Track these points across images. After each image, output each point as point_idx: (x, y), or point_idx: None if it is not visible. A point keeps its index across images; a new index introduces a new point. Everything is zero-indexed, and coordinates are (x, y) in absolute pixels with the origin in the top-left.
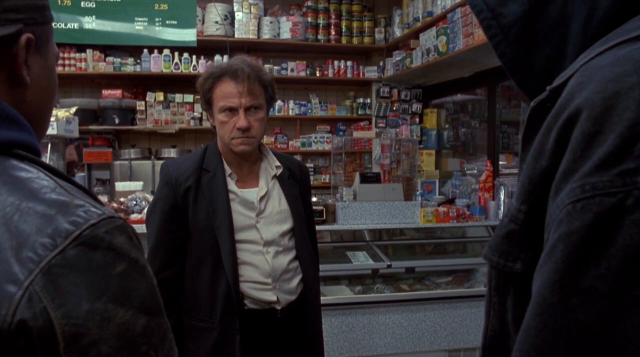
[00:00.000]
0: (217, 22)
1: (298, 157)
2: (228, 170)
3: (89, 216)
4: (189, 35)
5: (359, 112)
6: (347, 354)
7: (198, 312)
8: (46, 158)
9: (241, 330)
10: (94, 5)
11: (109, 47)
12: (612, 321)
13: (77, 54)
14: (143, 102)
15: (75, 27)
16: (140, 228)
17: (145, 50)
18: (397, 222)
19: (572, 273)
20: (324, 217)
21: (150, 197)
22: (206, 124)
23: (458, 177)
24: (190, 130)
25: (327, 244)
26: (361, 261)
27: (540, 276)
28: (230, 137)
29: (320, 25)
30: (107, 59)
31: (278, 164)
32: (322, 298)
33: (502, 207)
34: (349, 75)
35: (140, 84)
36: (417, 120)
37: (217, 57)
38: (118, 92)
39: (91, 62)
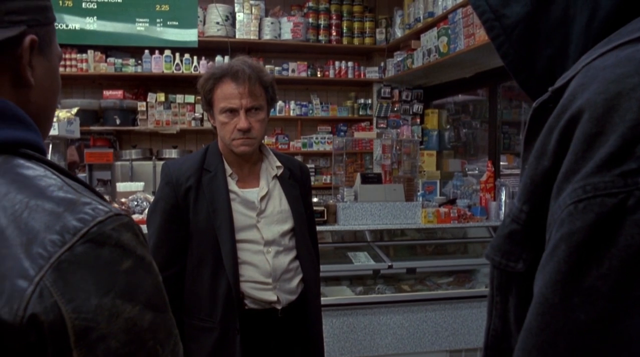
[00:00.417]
0: (218, 23)
1: (299, 158)
2: (229, 170)
3: (96, 213)
4: (190, 36)
5: (360, 113)
6: (348, 354)
7: (199, 312)
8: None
9: (241, 330)
10: (95, 6)
11: (110, 48)
12: (613, 321)
13: (78, 55)
14: (144, 103)
15: (77, 27)
16: (143, 228)
17: (147, 51)
18: (398, 223)
19: (573, 273)
20: (325, 218)
21: (152, 198)
22: (207, 125)
23: (459, 177)
24: (191, 131)
25: (328, 244)
26: (362, 261)
27: (542, 275)
28: (231, 138)
29: (321, 25)
30: (108, 59)
31: (279, 164)
32: (323, 299)
33: (503, 208)
34: (350, 75)
35: (142, 85)
36: (418, 120)
37: (218, 58)
38: (119, 93)
39: (92, 63)
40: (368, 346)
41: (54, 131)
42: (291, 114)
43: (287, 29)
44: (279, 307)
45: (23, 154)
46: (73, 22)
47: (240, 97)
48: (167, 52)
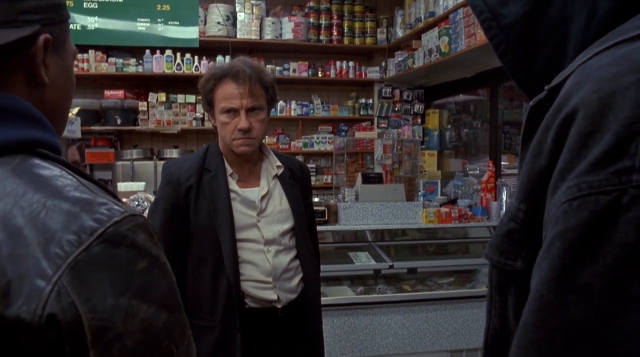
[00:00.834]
0: (219, 23)
1: (300, 158)
2: (229, 170)
3: (112, 213)
4: (191, 36)
5: (361, 113)
6: (349, 354)
7: (199, 311)
8: None
9: (242, 329)
10: (96, 6)
11: (111, 48)
12: (608, 318)
13: (80, 55)
14: (145, 103)
15: (78, 27)
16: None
17: (148, 51)
18: (399, 223)
19: (568, 270)
20: (326, 218)
21: (153, 198)
22: (208, 125)
23: (460, 177)
24: (192, 130)
25: (329, 244)
26: (363, 261)
27: (537, 273)
28: (232, 138)
29: (322, 25)
30: (109, 59)
31: (279, 164)
32: (324, 299)
33: (504, 208)
34: (351, 75)
35: (142, 85)
36: (419, 120)
37: (219, 58)
38: (120, 93)
39: (93, 63)
40: (369, 345)
41: None
42: (292, 114)
43: (288, 29)
44: (279, 306)
45: (39, 154)
46: (74, 22)
47: (241, 97)
48: (168, 52)
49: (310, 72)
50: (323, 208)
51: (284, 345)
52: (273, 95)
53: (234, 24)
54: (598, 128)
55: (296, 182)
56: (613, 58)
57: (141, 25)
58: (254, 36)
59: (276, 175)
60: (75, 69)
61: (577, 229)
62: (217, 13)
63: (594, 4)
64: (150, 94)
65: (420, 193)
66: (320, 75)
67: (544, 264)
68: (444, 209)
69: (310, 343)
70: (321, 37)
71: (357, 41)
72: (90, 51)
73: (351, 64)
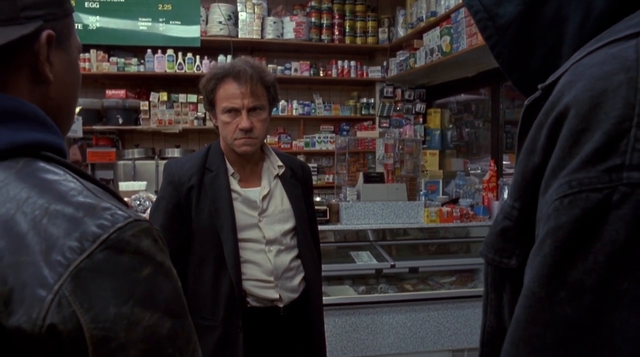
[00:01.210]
0: (220, 22)
1: (301, 157)
2: (231, 169)
3: (116, 219)
4: (192, 35)
5: (363, 112)
6: (350, 354)
7: (201, 311)
8: None
9: (244, 328)
10: (98, 6)
11: (112, 47)
12: (598, 315)
13: (81, 54)
14: (147, 102)
15: (79, 27)
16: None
17: (149, 51)
18: (400, 222)
19: (559, 267)
20: (328, 217)
21: (154, 197)
22: (209, 124)
23: (462, 177)
24: (193, 130)
25: (331, 244)
26: (365, 260)
27: (529, 270)
28: (233, 138)
29: (324, 25)
30: (111, 59)
31: (280, 163)
32: (325, 298)
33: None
34: (352, 75)
35: (144, 84)
36: (421, 120)
37: (221, 57)
38: (122, 92)
39: (95, 62)
40: (370, 345)
41: None
42: (294, 113)
43: (289, 29)
44: (281, 305)
45: (44, 157)
46: (75, 21)
47: (242, 97)
48: (170, 52)
49: (311, 72)
50: (325, 207)
51: (286, 344)
52: (274, 95)
53: (236, 24)
54: (589, 126)
55: (297, 182)
56: (605, 57)
57: (143, 25)
58: (255, 36)
59: (277, 175)
60: None
61: (568, 226)
62: (218, 12)
63: (589, 3)
64: (152, 93)
65: (421, 192)
66: (321, 74)
67: (535, 261)
68: (445, 209)
69: (312, 342)
70: (323, 37)
71: (358, 41)
72: (91, 51)
73: (353, 63)
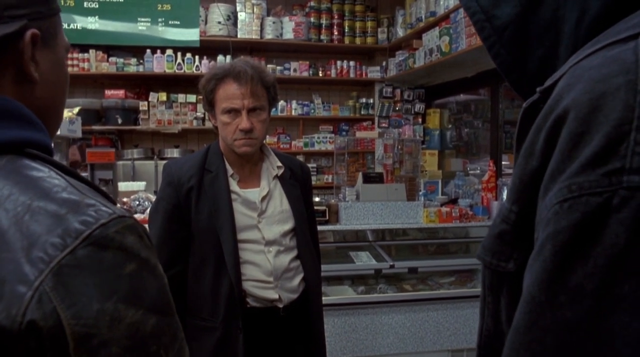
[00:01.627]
0: (219, 23)
1: (301, 158)
2: (230, 170)
3: (100, 215)
4: (191, 36)
5: (362, 112)
6: (350, 354)
7: (201, 312)
8: None
9: (244, 328)
10: (97, 6)
11: (111, 48)
12: (599, 319)
13: (80, 54)
14: (146, 103)
15: (78, 27)
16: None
17: (148, 51)
18: (400, 223)
19: (559, 272)
20: (327, 218)
21: (153, 197)
22: (209, 124)
23: (461, 177)
24: (192, 130)
25: (330, 244)
26: (364, 261)
27: (529, 274)
28: (233, 139)
29: (323, 25)
30: (110, 59)
31: (279, 164)
32: (325, 298)
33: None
34: (351, 75)
35: (143, 84)
36: (420, 120)
37: (220, 58)
38: (121, 93)
39: (94, 63)
40: (370, 345)
41: None
42: (293, 113)
43: (288, 29)
44: (280, 305)
45: (28, 154)
46: (75, 22)
47: (243, 97)
48: (169, 52)
49: (311, 72)
50: (324, 208)
51: (285, 344)
52: (274, 96)
53: (235, 24)
54: (588, 129)
55: (297, 182)
56: (604, 59)
57: (142, 25)
58: (254, 36)
59: (277, 176)
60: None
61: (568, 230)
62: (217, 13)
63: (585, 4)
64: (151, 93)
65: (421, 193)
66: (321, 75)
67: (535, 265)
68: (444, 209)
69: (312, 342)
70: (322, 37)
71: (357, 41)
72: (90, 51)
73: (352, 63)
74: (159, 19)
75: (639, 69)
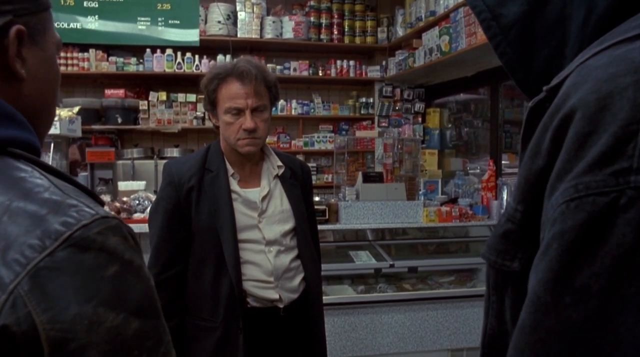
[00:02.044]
0: (219, 22)
1: (300, 157)
2: (230, 170)
3: (81, 216)
4: (191, 35)
5: (362, 112)
6: (349, 353)
7: (201, 312)
8: (49, 158)
9: (244, 329)
10: (97, 5)
11: (111, 47)
12: (605, 320)
13: (80, 54)
14: (146, 102)
15: (78, 27)
16: (144, 227)
17: (148, 50)
18: (399, 222)
19: (565, 272)
20: (327, 217)
21: (153, 197)
22: (208, 124)
23: (461, 176)
24: (192, 129)
25: (330, 243)
26: (364, 260)
27: (535, 274)
28: (236, 138)
29: (323, 24)
30: (110, 58)
31: (280, 163)
32: (325, 298)
33: (504, 207)
34: (351, 74)
35: (143, 84)
36: (420, 119)
37: (220, 57)
38: (121, 92)
39: (94, 62)
40: (370, 344)
41: (55, 130)
42: (293, 113)
43: (288, 28)
44: (281, 305)
45: (12, 154)
46: (74, 21)
47: (246, 97)
48: (169, 51)
49: (310, 71)
50: (324, 207)
51: (286, 344)
52: (276, 95)
53: (235, 23)
54: (596, 129)
55: (297, 182)
56: (611, 59)
57: (142, 25)
58: (254, 35)
59: (277, 175)
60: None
61: (574, 230)
62: (217, 12)
63: (591, 2)
64: (151, 93)
65: (420, 192)
66: (320, 74)
67: (541, 265)
68: (444, 208)
69: (313, 342)
70: (322, 36)
71: (357, 40)
72: (90, 50)
73: (352, 63)
74: (159, 19)
75: None
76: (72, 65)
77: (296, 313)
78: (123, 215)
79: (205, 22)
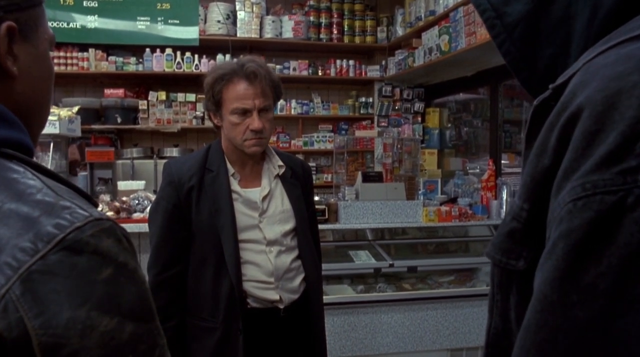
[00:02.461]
0: (219, 21)
1: (300, 157)
2: (231, 170)
3: (75, 218)
4: (191, 35)
5: (361, 112)
6: (349, 353)
7: (201, 312)
8: (48, 157)
9: (244, 329)
10: (96, 5)
11: (111, 47)
12: (612, 319)
13: (80, 54)
14: (145, 102)
15: (78, 26)
16: (144, 227)
17: (148, 50)
18: (399, 222)
19: (572, 271)
20: (326, 217)
21: (153, 196)
22: (208, 123)
23: (460, 176)
24: (192, 129)
25: (330, 243)
26: (363, 260)
27: (541, 273)
28: (243, 139)
29: (323, 24)
30: (110, 58)
31: (281, 163)
32: (324, 297)
33: (504, 207)
34: (351, 74)
35: (143, 83)
36: (420, 119)
37: (220, 57)
38: (120, 92)
39: (93, 62)
40: (369, 344)
41: (55, 130)
42: (292, 112)
43: (288, 28)
44: (281, 306)
45: (4, 154)
46: (74, 21)
47: (254, 97)
48: (168, 51)
49: (310, 71)
50: (323, 207)
51: (286, 345)
52: (279, 94)
53: (234, 23)
54: (603, 127)
55: (298, 182)
56: (618, 57)
57: (141, 24)
58: (254, 35)
59: (278, 175)
60: (75, 68)
61: (581, 229)
62: (217, 12)
63: (597, 1)
64: (151, 92)
65: (420, 192)
66: (320, 74)
67: (547, 264)
68: (444, 208)
69: (313, 343)
70: (321, 36)
71: (357, 40)
72: (90, 50)
73: (351, 62)
74: (159, 18)
75: None
76: (72, 64)
77: (296, 313)
78: (122, 215)
79: (205, 22)
